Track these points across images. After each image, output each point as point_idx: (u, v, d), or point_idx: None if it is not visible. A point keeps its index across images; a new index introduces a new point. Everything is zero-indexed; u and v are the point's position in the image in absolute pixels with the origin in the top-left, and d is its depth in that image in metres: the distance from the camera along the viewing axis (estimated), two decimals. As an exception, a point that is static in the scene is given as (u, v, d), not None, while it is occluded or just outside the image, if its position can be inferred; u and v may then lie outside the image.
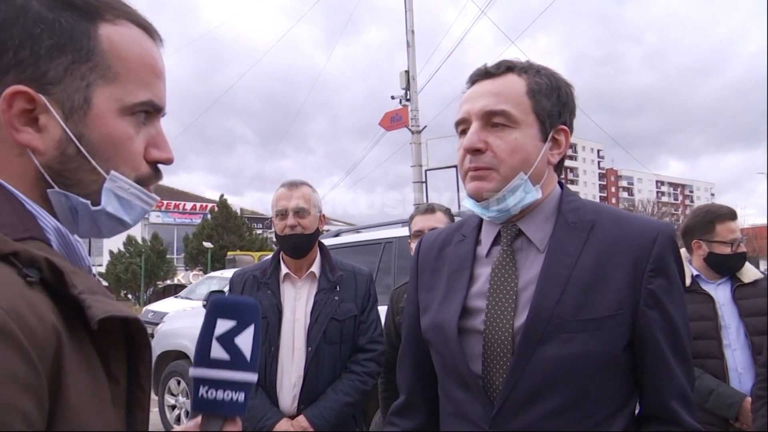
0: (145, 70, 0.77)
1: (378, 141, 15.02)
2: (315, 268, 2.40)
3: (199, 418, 0.79)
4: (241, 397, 0.77)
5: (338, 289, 2.36)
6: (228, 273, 11.86)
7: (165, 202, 38.09)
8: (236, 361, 0.76)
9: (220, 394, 0.75)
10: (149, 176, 0.82)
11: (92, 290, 0.65)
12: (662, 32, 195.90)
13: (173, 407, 6.33)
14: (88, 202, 0.75)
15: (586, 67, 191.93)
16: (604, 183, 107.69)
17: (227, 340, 0.76)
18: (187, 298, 13.12)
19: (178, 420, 6.27)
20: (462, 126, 1.19)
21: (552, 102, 1.16)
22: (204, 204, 38.36)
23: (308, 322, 2.29)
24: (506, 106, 1.13)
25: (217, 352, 0.76)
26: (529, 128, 1.14)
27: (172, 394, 6.33)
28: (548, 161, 1.18)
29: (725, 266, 2.61)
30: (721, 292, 2.64)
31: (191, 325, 6.42)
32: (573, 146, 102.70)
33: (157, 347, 6.63)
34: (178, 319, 6.90)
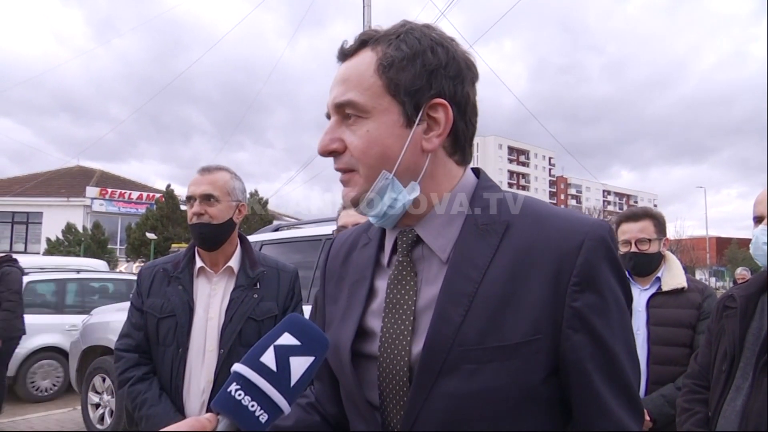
0: None
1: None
2: (233, 262, 2.19)
3: (210, 415, 0.74)
4: (264, 417, 0.73)
5: (258, 286, 2.16)
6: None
7: (109, 190, 36.79)
8: (280, 378, 0.74)
9: (246, 401, 0.72)
10: None
11: None
12: (623, 44, 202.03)
13: (97, 406, 6.01)
14: None
15: (548, 74, 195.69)
16: (554, 190, 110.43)
17: (283, 354, 0.75)
18: None
19: (101, 420, 5.95)
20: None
21: (413, 73, 0.92)
22: (151, 194, 37.18)
23: (222, 321, 2.09)
24: (351, 93, 0.93)
25: (268, 359, 0.74)
26: (383, 115, 0.93)
27: (97, 392, 6.03)
28: (422, 149, 0.94)
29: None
30: (641, 298, 2.69)
31: (119, 319, 6.05)
32: (526, 153, 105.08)
33: (82, 342, 6.30)
34: (107, 312, 6.52)
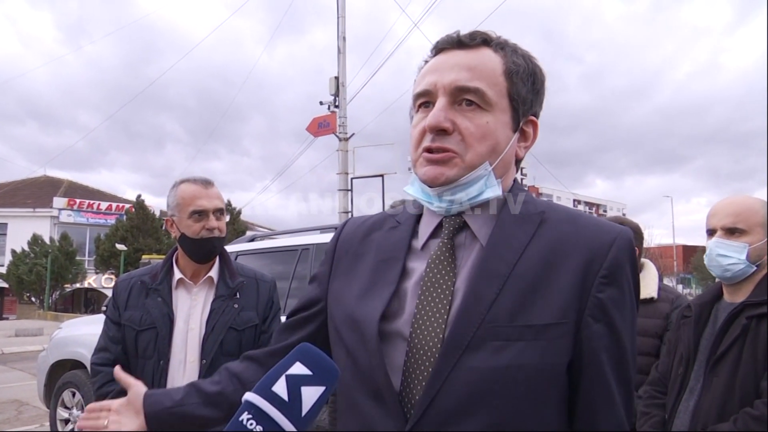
0: None
1: (310, 145, 14.84)
2: (213, 273, 2.20)
3: None
4: None
5: (238, 296, 2.17)
6: None
7: (78, 200, 36.04)
8: (292, 407, 0.75)
9: (258, 430, 0.73)
10: None
11: None
12: (601, 53, 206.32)
13: (66, 421, 5.85)
14: None
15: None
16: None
17: (295, 383, 0.76)
18: None
19: (71, 435, 5.79)
20: (423, 99, 1.03)
21: (527, 88, 1.03)
22: (120, 204, 36.55)
23: (203, 331, 2.09)
24: (481, 83, 0.98)
25: (280, 388, 0.76)
26: (501, 113, 1.00)
27: (66, 407, 5.86)
28: (516, 154, 1.06)
29: None
30: None
31: (91, 332, 5.95)
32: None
33: (51, 356, 6.14)
34: (77, 325, 6.38)
